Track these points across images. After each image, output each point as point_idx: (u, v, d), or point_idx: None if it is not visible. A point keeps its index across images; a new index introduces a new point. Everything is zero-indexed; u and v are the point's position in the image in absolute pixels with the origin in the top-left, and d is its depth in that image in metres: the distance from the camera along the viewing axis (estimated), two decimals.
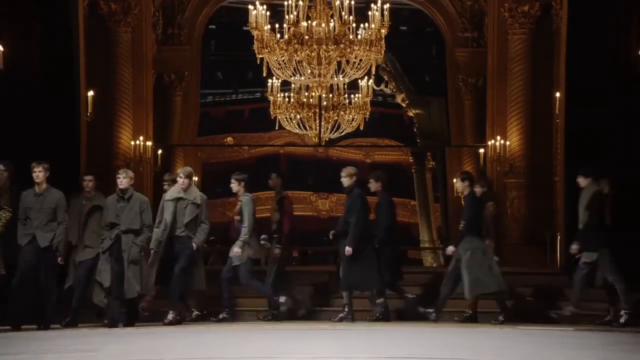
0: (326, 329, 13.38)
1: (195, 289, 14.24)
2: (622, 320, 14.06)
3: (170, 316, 13.74)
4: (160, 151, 22.50)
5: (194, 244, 13.78)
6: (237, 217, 14.78)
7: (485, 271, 14.28)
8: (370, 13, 20.09)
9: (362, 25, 20.10)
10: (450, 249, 14.71)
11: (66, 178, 14.47)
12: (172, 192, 14.02)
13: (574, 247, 14.45)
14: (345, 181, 14.78)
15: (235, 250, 14.45)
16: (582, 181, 14.52)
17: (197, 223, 13.87)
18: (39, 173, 13.33)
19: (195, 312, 14.64)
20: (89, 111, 19.51)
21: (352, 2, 20.10)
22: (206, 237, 14.25)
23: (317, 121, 22.20)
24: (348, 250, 14.39)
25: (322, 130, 22.31)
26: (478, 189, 14.90)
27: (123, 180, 13.55)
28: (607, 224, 14.33)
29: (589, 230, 14.30)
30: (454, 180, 15.17)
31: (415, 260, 27.92)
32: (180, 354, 10.33)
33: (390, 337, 12.23)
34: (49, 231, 13.24)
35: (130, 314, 13.63)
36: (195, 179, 23.98)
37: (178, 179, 14.03)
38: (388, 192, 15.14)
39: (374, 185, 14.99)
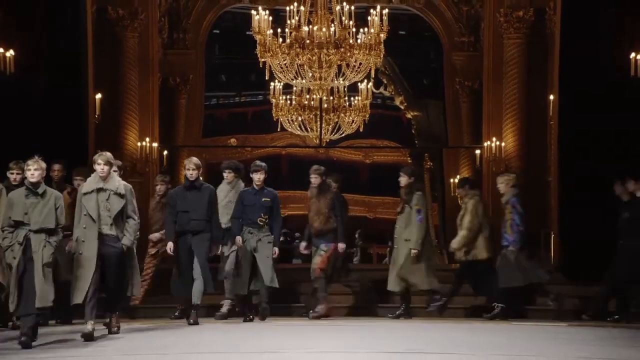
0: (326, 325, 13.35)
1: (130, 295, 11.91)
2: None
3: (115, 328, 11.68)
4: (165, 152, 22.52)
5: (123, 246, 11.11)
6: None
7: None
8: (369, 18, 20.12)
9: (361, 29, 20.12)
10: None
11: None
12: (89, 184, 11.26)
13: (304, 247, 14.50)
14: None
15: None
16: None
17: (123, 218, 11.20)
18: None
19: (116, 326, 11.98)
20: (97, 113, 19.54)
21: (352, 8, 20.14)
22: (136, 235, 11.56)
23: (318, 123, 22.22)
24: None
25: (323, 131, 22.33)
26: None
27: (35, 172, 10.73)
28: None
29: None
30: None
31: None
32: (186, 350, 10.35)
33: (389, 333, 12.23)
34: None
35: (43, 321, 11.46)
36: (201, 178, 24.14)
37: (96, 166, 11.22)
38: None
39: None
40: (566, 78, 17.86)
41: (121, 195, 11.15)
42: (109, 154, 11.31)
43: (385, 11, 19.94)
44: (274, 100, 22.37)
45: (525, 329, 13.03)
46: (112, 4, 21.10)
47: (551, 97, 19.66)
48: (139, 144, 21.19)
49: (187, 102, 24.30)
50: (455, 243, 14.58)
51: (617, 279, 14.10)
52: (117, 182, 11.29)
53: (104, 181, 11.15)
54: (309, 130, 22.62)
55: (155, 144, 21.44)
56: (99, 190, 11.11)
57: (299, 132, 23.08)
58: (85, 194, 11.16)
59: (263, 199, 13.34)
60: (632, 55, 16.08)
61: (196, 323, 12.81)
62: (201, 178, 13.46)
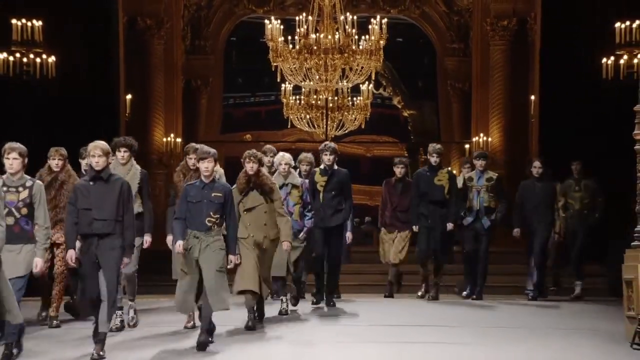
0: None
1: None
2: None
3: None
4: None
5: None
6: None
7: None
8: (370, 27, 20.17)
9: (363, 37, 20.19)
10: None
11: None
12: None
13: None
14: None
15: None
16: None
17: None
18: None
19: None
20: (127, 112, 19.71)
21: (355, 17, 20.21)
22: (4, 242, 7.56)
23: (324, 120, 22.29)
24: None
25: (329, 128, 22.41)
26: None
27: None
28: None
29: None
30: None
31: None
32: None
33: (385, 309, 12.27)
34: None
35: None
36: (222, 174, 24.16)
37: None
38: None
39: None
40: (546, 80, 17.98)
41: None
42: (21, 146, 8.39)
43: (385, 20, 20.00)
44: (284, 100, 22.42)
45: (509, 304, 13.10)
46: (141, 15, 21.22)
47: (532, 97, 19.76)
48: (164, 139, 21.36)
49: (208, 102, 24.39)
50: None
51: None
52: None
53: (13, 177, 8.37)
54: (316, 126, 22.68)
55: (179, 139, 21.58)
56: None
57: (307, 129, 23.14)
58: None
59: (213, 194, 9.07)
60: (603, 60, 16.20)
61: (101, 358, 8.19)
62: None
